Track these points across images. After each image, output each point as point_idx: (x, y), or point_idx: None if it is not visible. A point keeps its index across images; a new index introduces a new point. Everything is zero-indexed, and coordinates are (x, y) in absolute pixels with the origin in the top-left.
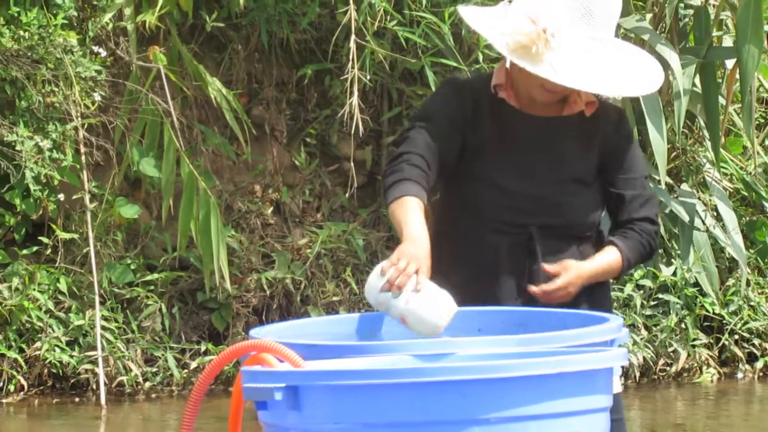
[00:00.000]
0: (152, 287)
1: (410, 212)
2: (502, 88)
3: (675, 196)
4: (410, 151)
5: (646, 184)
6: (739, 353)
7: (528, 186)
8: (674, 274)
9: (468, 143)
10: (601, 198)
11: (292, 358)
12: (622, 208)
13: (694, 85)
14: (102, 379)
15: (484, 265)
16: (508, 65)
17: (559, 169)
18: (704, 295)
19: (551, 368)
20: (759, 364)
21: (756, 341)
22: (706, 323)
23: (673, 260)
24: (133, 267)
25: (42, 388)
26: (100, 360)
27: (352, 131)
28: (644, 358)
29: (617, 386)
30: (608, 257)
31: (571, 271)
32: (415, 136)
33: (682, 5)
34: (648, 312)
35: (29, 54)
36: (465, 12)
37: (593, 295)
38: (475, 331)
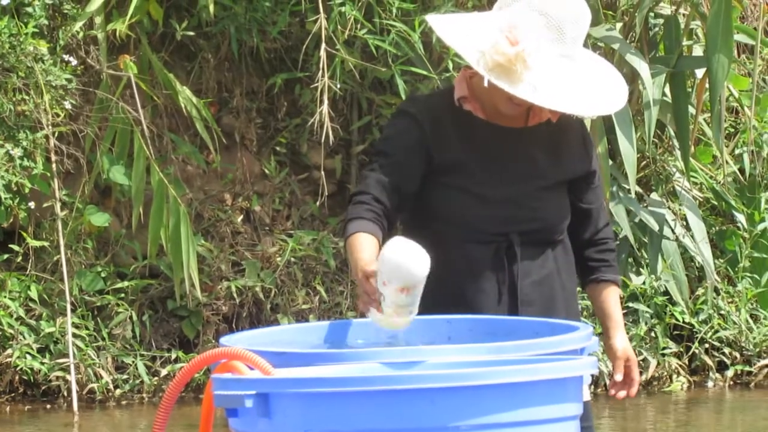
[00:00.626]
0: (122, 295)
1: (358, 245)
2: (466, 100)
3: (644, 205)
4: (363, 191)
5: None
6: (709, 362)
7: (507, 195)
8: (643, 282)
9: (436, 161)
10: (568, 203)
11: (263, 365)
12: (590, 221)
13: (664, 94)
14: (74, 386)
15: (464, 275)
16: (486, 84)
17: (533, 177)
18: (674, 303)
19: (521, 376)
20: (729, 373)
21: (726, 350)
22: (676, 332)
23: (642, 269)
24: (103, 275)
25: (13, 395)
26: (72, 367)
27: (322, 140)
28: None
29: (586, 395)
30: (617, 299)
31: (629, 357)
32: (370, 175)
33: (652, 14)
34: None
35: (0, 62)
36: (436, 23)
37: (571, 306)
38: (444, 340)
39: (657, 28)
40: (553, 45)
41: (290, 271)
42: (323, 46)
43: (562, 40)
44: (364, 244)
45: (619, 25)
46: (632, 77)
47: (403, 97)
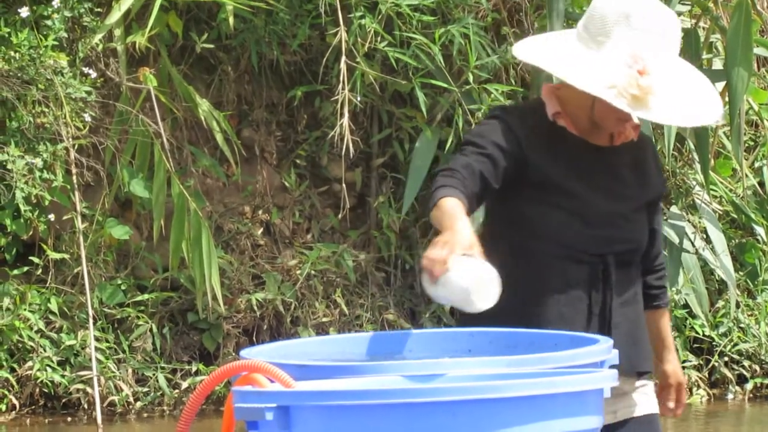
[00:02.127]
0: (143, 307)
1: (449, 209)
2: (560, 116)
3: (665, 218)
4: (453, 168)
5: None
6: (729, 375)
7: (606, 215)
8: None
9: (531, 171)
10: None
11: (283, 378)
12: (654, 244)
13: None
14: (97, 398)
15: (559, 293)
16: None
17: (627, 197)
18: (694, 316)
19: (542, 389)
20: (749, 386)
21: (746, 363)
22: (695, 345)
23: None
24: (123, 287)
25: (34, 407)
26: (95, 380)
27: (343, 153)
28: None
29: (654, 407)
30: (669, 323)
31: (680, 382)
32: (459, 158)
33: None
34: None
35: (20, 75)
36: (542, 62)
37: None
38: (465, 352)
39: None
40: (664, 62)
41: (310, 284)
42: (343, 58)
43: (668, 53)
44: (458, 211)
45: None
46: None
47: (424, 109)
